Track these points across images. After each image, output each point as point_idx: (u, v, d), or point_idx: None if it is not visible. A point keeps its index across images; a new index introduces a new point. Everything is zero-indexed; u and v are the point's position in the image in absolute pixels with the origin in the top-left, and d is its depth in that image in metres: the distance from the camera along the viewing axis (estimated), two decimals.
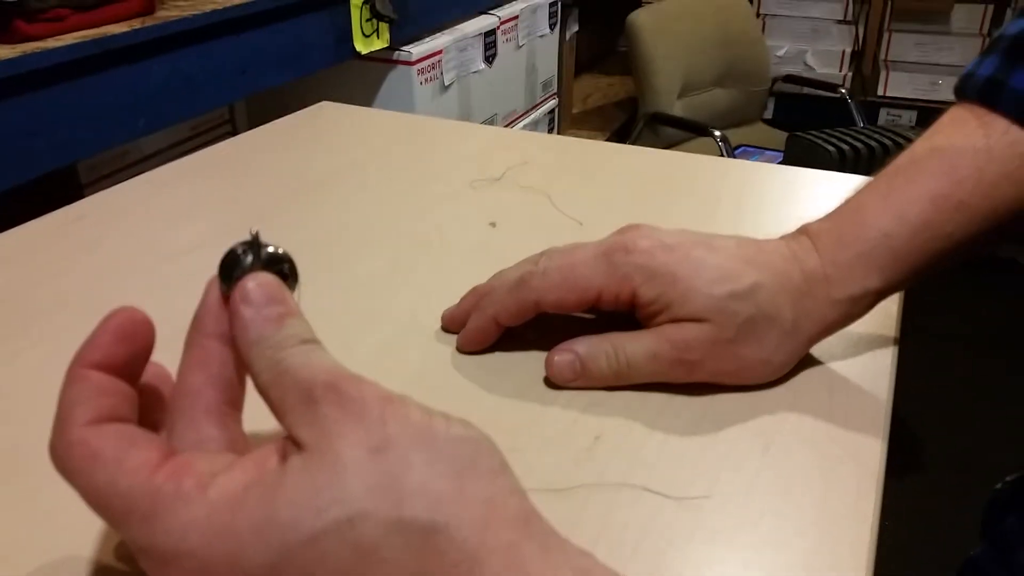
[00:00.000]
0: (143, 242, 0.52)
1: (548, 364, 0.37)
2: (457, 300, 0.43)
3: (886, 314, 0.43)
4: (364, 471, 0.20)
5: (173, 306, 0.46)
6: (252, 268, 0.25)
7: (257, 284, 0.25)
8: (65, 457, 0.22)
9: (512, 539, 0.20)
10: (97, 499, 0.22)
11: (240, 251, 0.25)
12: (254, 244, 0.26)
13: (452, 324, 0.41)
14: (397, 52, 1.22)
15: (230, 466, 0.22)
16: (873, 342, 0.41)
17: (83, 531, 0.30)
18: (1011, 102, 0.36)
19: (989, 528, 0.44)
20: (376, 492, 0.20)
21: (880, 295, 0.37)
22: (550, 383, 0.38)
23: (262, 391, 0.23)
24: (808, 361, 0.39)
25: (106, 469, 0.22)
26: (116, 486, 0.21)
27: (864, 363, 0.39)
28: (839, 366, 0.39)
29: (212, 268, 0.49)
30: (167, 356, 0.41)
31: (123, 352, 0.25)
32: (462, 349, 0.39)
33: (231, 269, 0.25)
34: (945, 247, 0.37)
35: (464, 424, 0.22)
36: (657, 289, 0.35)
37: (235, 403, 0.25)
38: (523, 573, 0.20)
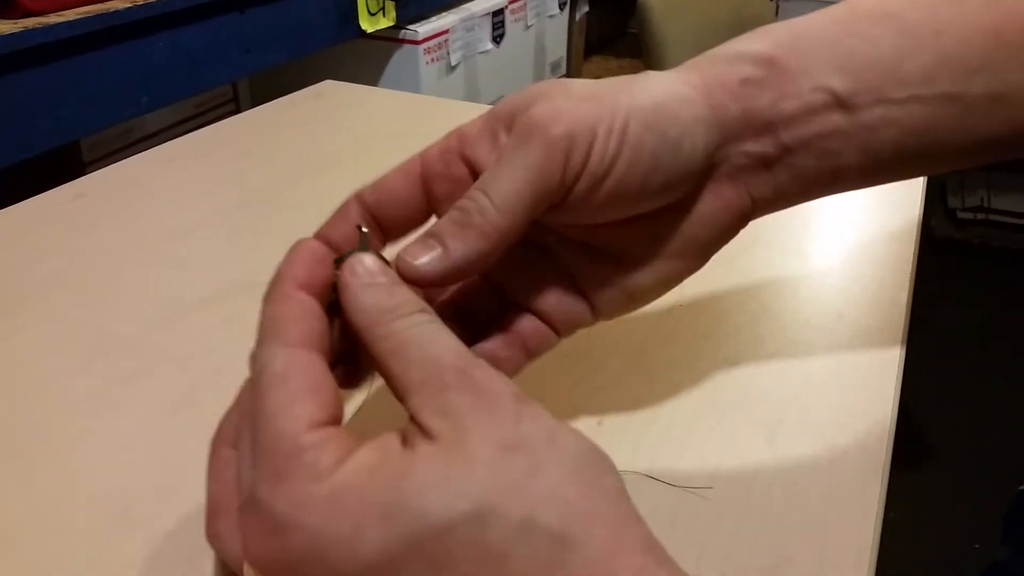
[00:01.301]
0: (144, 221, 0.51)
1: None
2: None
3: (895, 304, 0.42)
4: (496, 468, 0.19)
5: (173, 285, 0.46)
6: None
7: (363, 258, 0.24)
8: (261, 370, 0.22)
9: (643, 564, 0.19)
10: (253, 421, 0.21)
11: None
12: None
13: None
14: (403, 31, 1.21)
15: (359, 449, 0.21)
16: (881, 333, 0.40)
17: (81, 509, 0.30)
18: None
19: (1013, 531, 0.43)
20: (507, 492, 0.19)
21: (783, 70, 0.28)
22: (554, 368, 0.37)
23: (381, 361, 0.22)
24: (815, 350, 0.39)
25: (278, 399, 0.21)
26: (276, 420, 0.20)
27: (872, 353, 0.39)
28: (846, 356, 0.38)
29: (214, 247, 0.49)
30: (169, 335, 0.41)
31: (321, 275, 0.24)
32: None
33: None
34: (875, 58, 0.28)
35: (587, 437, 0.22)
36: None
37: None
38: None
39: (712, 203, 0.28)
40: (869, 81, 0.28)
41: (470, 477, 0.19)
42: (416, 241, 0.25)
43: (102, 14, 0.78)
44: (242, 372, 0.37)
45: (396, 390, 0.21)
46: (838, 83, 0.27)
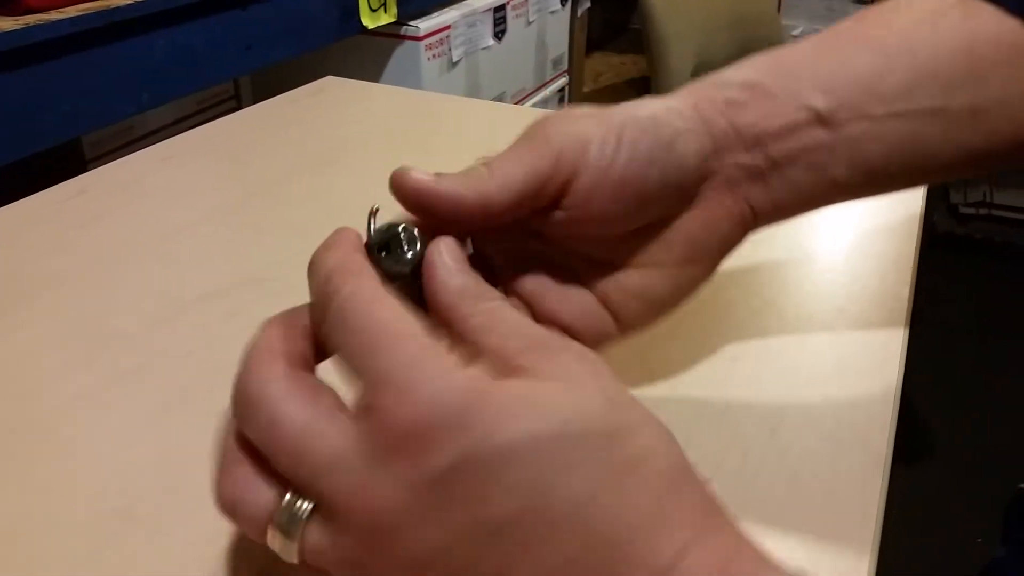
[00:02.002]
0: (145, 217, 0.51)
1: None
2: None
3: (896, 300, 0.42)
4: (607, 411, 0.20)
5: (174, 282, 0.46)
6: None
7: (447, 242, 0.24)
8: (348, 295, 0.22)
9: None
10: (355, 349, 0.21)
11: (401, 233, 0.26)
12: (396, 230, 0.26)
13: None
14: (405, 27, 1.21)
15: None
16: (883, 328, 0.40)
17: (82, 506, 0.30)
18: None
19: (1012, 531, 0.43)
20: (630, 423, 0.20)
21: (767, 93, 0.29)
22: None
23: (473, 334, 0.22)
24: (817, 346, 0.39)
25: (384, 312, 0.21)
26: (449, 378, 0.20)
27: (873, 349, 0.39)
28: (848, 351, 0.38)
29: (215, 244, 0.48)
30: (170, 332, 0.41)
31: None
32: None
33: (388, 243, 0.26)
34: (855, 78, 0.30)
35: None
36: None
37: None
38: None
39: (714, 210, 0.30)
40: (848, 98, 0.29)
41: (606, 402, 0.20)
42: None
43: (103, 11, 0.78)
44: None
45: (494, 358, 0.22)
46: (819, 101, 0.29)
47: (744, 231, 0.31)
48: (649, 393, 0.36)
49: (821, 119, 0.29)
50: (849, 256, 0.47)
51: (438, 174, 0.27)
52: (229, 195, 0.54)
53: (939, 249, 2.07)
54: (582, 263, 0.30)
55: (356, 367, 0.20)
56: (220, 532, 0.29)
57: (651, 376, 0.37)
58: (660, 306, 0.31)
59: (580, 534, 0.19)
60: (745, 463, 0.32)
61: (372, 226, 0.26)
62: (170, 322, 0.41)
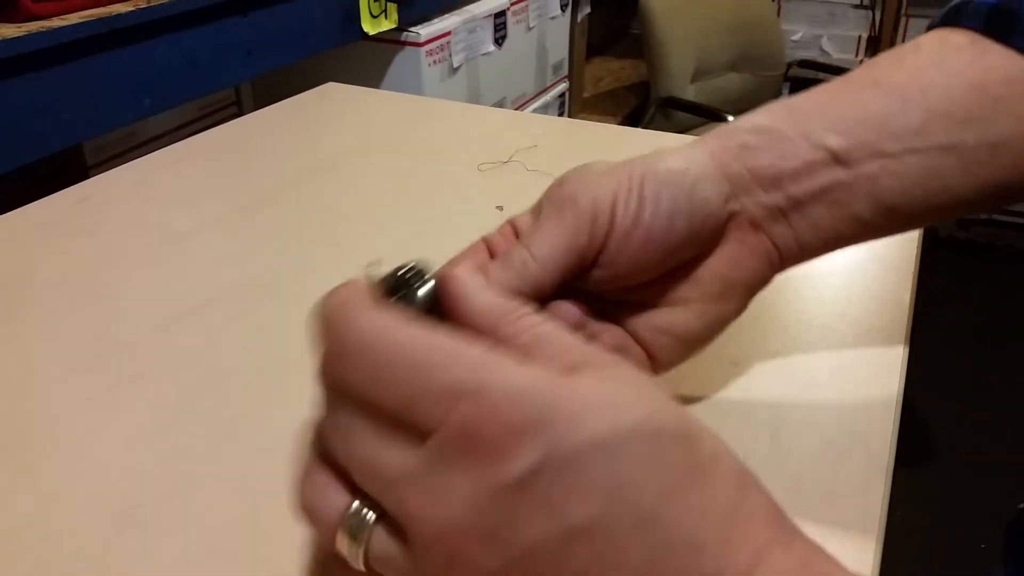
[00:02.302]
0: (147, 223, 0.51)
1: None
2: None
3: (898, 304, 0.42)
4: (678, 413, 0.20)
5: (177, 287, 0.46)
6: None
7: (461, 270, 0.24)
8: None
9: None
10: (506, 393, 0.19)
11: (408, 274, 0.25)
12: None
13: None
14: (405, 33, 1.21)
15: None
16: (884, 332, 0.40)
17: (85, 511, 0.30)
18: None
19: (1013, 551, 0.43)
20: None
21: (781, 135, 0.30)
22: None
23: (523, 351, 0.21)
24: (818, 350, 0.39)
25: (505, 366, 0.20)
26: (522, 377, 0.19)
27: (875, 352, 0.39)
28: (850, 355, 0.38)
29: (217, 249, 0.49)
30: (173, 337, 0.41)
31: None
32: None
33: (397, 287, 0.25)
34: (866, 119, 0.30)
35: None
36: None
37: None
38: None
39: (740, 249, 0.31)
40: (862, 137, 0.30)
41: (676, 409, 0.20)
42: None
43: (105, 17, 0.78)
44: (245, 373, 0.37)
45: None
46: (833, 141, 0.30)
47: (772, 269, 0.32)
48: None
49: (837, 158, 0.30)
50: (850, 260, 0.47)
51: (481, 269, 0.28)
52: (231, 201, 0.55)
53: (942, 253, 2.06)
54: (612, 303, 0.31)
55: (407, 396, 0.19)
56: (223, 537, 0.29)
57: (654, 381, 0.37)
58: (692, 342, 0.32)
59: (660, 535, 0.18)
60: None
61: (374, 274, 0.25)
62: (172, 327, 0.41)
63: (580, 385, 0.19)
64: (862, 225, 0.31)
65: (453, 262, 0.30)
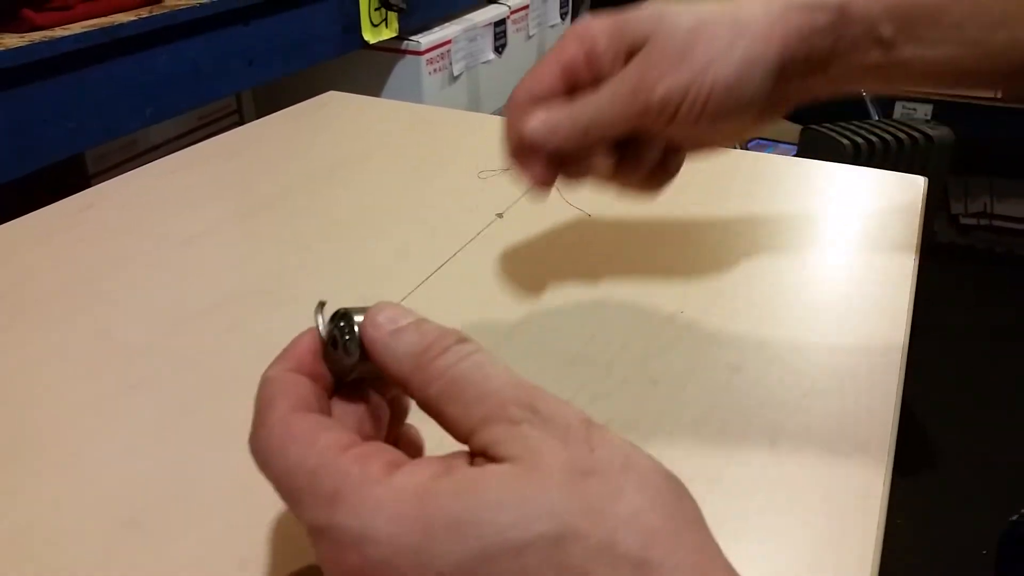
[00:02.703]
0: (148, 231, 0.52)
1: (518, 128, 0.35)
2: (462, 291, 0.42)
3: (896, 308, 0.42)
4: (575, 491, 0.19)
5: (178, 294, 0.46)
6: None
7: (379, 309, 0.23)
8: (264, 438, 0.22)
9: None
10: (286, 479, 0.21)
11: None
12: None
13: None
14: (406, 42, 1.22)
15: (414, 460, 0.21)
16: (883, 338, 0.40)
17: (87, 517, 0.30)
18: None
19: (1006, 565, 0.43)
20: (588, 516, 0.18)
21: (849, 15, 0.33)
22: (557, 375, 0.37)
23: (434, 407, 0.21)
24: (817, 356, 0.39)
25: (298, 447, 0.21)
26: (304, 464, 0.20)
27: (874, 357, 0.39)
28: (849, 360, 0.39)
29: (218, 257, 0.49)
30: (175, 344, 0.41)
31: (317, 367, 0.24)
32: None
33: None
34: (924, 6, 0.33)
35: (658, 461, 0.21)
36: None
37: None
38: None
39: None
40: (911, 26, 0.33)
41: (549, 498, 0.19)
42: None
43: (107, 27, 0.79)
44: (247, 379, 0.38)
45: (458, 432, 0.21)
46: (887, 30, 0.33)
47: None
48: (649, 405, 0.36)
49: (882, 44, 0.33)
50: (849, 266, 0.47)
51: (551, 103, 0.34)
52: (233, 209, 0.55)
53: (940, 259, 2.07)
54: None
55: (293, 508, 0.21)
56: (226, 543, 0.29)
57: (652, 388, 0.37)
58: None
59: None
60: (745, 474, 0.32)
61: (320, 322, 0.24)
62: (175, 334, 0.41)
63: (441, 506, 0.19)
64: (888, 86, 0.37)
65: (524, 82, 0.35)
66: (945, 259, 2.08)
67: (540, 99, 0.34)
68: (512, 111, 0.34)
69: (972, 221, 2.14)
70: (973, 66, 0.34)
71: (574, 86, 0.34)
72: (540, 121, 0.33)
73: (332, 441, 0.21)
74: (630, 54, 0.33)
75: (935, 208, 2.08)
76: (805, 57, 0.33)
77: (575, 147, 0.34)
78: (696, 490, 0.31)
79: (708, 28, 0.32)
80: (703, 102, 0.32)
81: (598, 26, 0.34)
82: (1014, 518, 0.41)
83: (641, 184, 0.36)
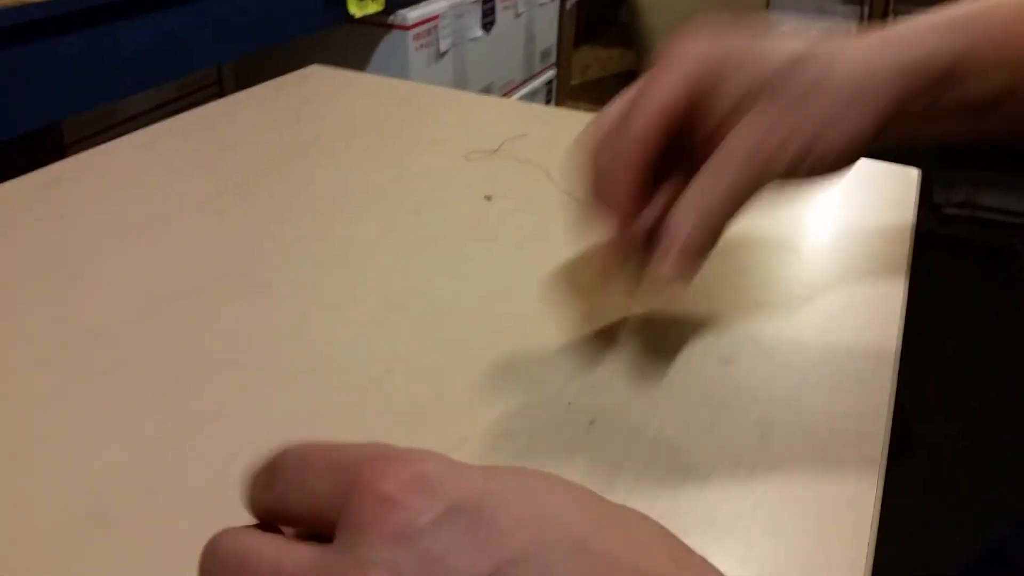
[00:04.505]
0: (122, 208, 0.50)
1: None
2: (446, 275, 0.41)
3: (889, 303, 0.42)
4: None
5: (151, 276, 0.44)
6: None
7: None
8: None
9: None
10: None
11: None
12: None
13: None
14: (392, 16, 1.19)
15: None
16: (876, 332, 0.40)
17: (51, 509, 0.29)
18: None
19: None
20: None
21: (965, 74, 0.31)
22: (544, 365, 0.36)
23: None
24: (810, 350, 0.38)
25: None
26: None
27: (867, 353, 0.38)
28: (841, 356, 0.38)
29: (194, 237, 0.47)
30: (146, 328, 0.40)
31: None
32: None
33: None
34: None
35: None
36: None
37: None
38: None
39: None
40: (1012, 79, 0.31)
41: None
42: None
43: None
44: (221, 367, 0.36)
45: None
46: (1001, 79, 0.31)
47: None
48: (639, 398, 0.35)
49: (988, 102, 0.32)
50: (841, 259, 0.46)
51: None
52: (210, 186, 0.53)
53: (922, 249, 2.08)
54: None
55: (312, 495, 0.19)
56: (196, 538, 0.28)
57: (642, 380, 0.36)
58: None
59: (601, 561, 0.17)
60: (736, 470, 0.31)
61: None
62: (146, 318, 0.40)
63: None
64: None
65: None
66: (927, 249, 2.09)
67: (649, 150, 0.30)
68: (643, 125, 0.30)
69: (954, 211, 2.15)
70: None
71: (676, 127, 0.31)
72: (692, 224, 0.29)
73: None
74: (737, 101, 0.30)
75: (918, 197, 2.09)
76: (911, 118, 0.31)
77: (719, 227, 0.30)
78: (686, 486, 0.31)
79: (829, 89, 0.30)
80: (815, 169, 0.30)
81: (715, 56, 0.31)
82: (1006, 528, 0.41)
83: None
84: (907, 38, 0.31)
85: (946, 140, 0.33)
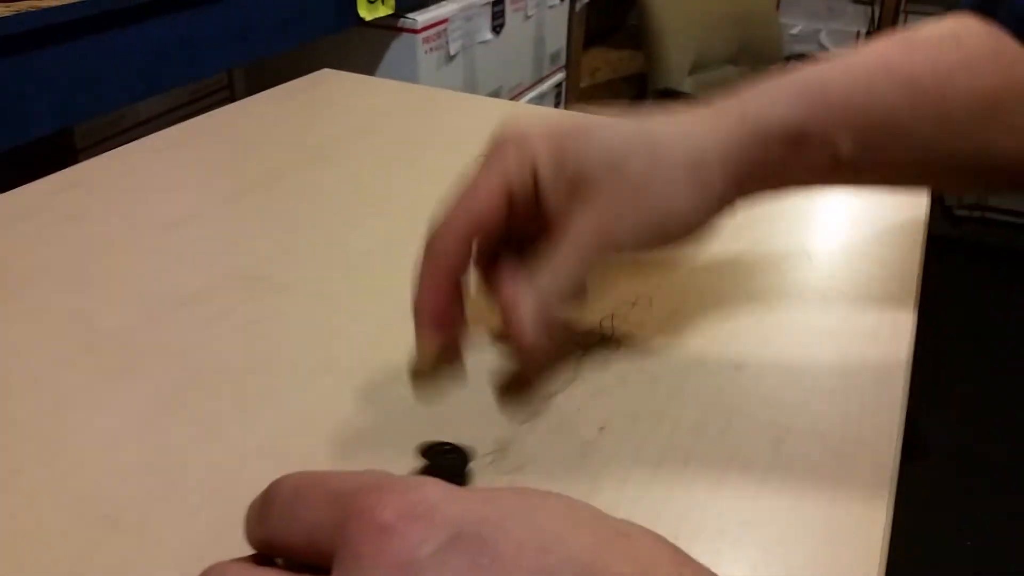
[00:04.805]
0: (135, 212, 0.50)
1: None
2: None
3: (901, 308, 0.41)
4: None
5: (165, 279, 0.45)
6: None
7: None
8: None
9: None
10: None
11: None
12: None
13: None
14: (402, 20, 1.19)
15: None
16: (888, 337, 0.39)
17: (65, 512, 0.29)
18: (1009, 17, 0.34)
19: None
20: None
21: (806, 140, 0.31)
22: (555, 369, 0.36)
23: None
24: (821, 355, 0.38)
25: None
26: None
27: (879, 358, 0.38)
28: (853, 361, 0.38)
29: (207, 240, 0.47)
30: (160, 331, 0.40)
31: None
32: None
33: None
34: (887, 121, 0.32)
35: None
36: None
37: None
38: None
39: None
40: (872, 142, 0.32)
41: None
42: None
43: None
44: (236, 369, 0.36)
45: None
46: (845, 147, 0.32)
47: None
48: (650, 403, 0.35)
49: (839, 158, 0.32)
50: (853, 264, 0.46)
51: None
52: (222, 189, 0.53)
53: (933, 252, 2.07)
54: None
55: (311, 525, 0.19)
56: (209, 541, 0.28)
57: (652, 385, 0.36)
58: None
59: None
60: (747, 477, 0.31)
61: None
62: (160, 321, 0.40)
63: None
64: (841, 187, 0.35)
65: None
66: (938, 252, 2.08)
67: (481, 228, 0.31)
68: (445, 239, 0.31)
69: (965, 213, 2.14)
70: (939, 172, 0.34)
71: (511, 212, 0.31)
72: (531, 323, 0.29)
73: None
74: (572, 185, 0.30)
75: (930, 200, 2.08)
76: (759, 183, 0.33)
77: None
78: (697, 493, 0.31)
79: (663, 171, 0.31)
80: (661, 243, 0.31)
81: (539, 147, 0.31)
82: None
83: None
84: (750, 108, 0.32)
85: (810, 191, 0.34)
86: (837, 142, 0.31)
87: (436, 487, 0.18)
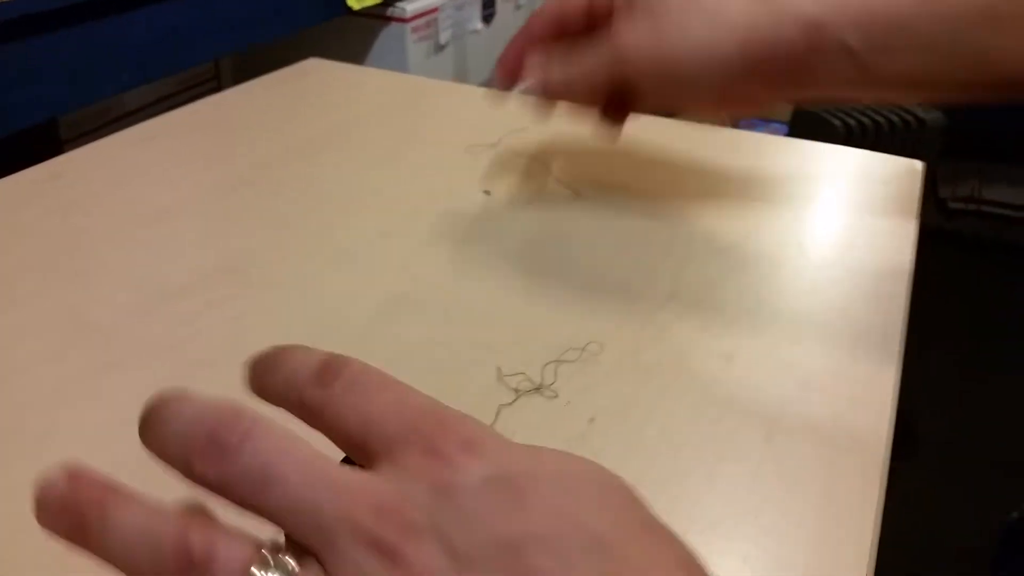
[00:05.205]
0: (121, 203, 0.50)
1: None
2: (446, 272, 0.41)
3: (893, 300, 0.41)
4: None
5: (151, 271, 0.44)
6: None
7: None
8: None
9: None
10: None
11: None
12: None
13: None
14: (391, 8, 1.18)
15: None
16: (879, 329, 0.39)
17: None
18: None
19: (1005, 561, 0.43)
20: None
21: (819, 31, 0.35)
22: (544, 361, 0.36)
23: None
24: (813, 347, 0.38)
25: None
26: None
27: (870, 351, 0.38)
28: (844, 354, 0.38)
29: (194, 232, 0.47)
30: (147, 324, 0.39)
31: None
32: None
33: None
34: (891, 19, 0.35)
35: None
36: None
37: None
38: None
39: None
40: (879, 38, 0.35)
41: None
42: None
43: None
44: (223, 363, 0.36)
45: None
46: (854, 42, 0.35)
47: None
48: (641, 395, 0.35)
49: (852, 56, 0.35)
50: (845, 255, 0.46)
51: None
52: (209, 181, 0.53)
53: (927, 244, 2.07)
54: None
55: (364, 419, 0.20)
56: None
57: (643, 377, 0.36)
58: None
59: (612, 564, 0.17)
60: (739, 469, 0.31)
61: None
62: (148, 313, 0.40)
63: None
64: (862, 96, 0.43)
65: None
66: (931, 244, 2.09)
67: (565, 23, 0.41)
68: (534, 22, 0.42)
69: (959, 205, 2.15)
70: (945, 76, 0.36)
71: (572, 26, 0.41)
72: (537, 78, 0.42)
73: None
74: (630, 3, 0.38)
75: (923, 191, 2.08)
76: (771, 63, 0.36)
77: (566, 94, 0.42)
78: (688, 485, 0.31)
79: (691, 4, 0.37)
80: (663, 66, 0.37)
81: None
82: (1015, 515, 0.41)
83: (602, 117, 0.43)
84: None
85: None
86: (847, 37, 0.34)
87: (489, 432, 0.19)
